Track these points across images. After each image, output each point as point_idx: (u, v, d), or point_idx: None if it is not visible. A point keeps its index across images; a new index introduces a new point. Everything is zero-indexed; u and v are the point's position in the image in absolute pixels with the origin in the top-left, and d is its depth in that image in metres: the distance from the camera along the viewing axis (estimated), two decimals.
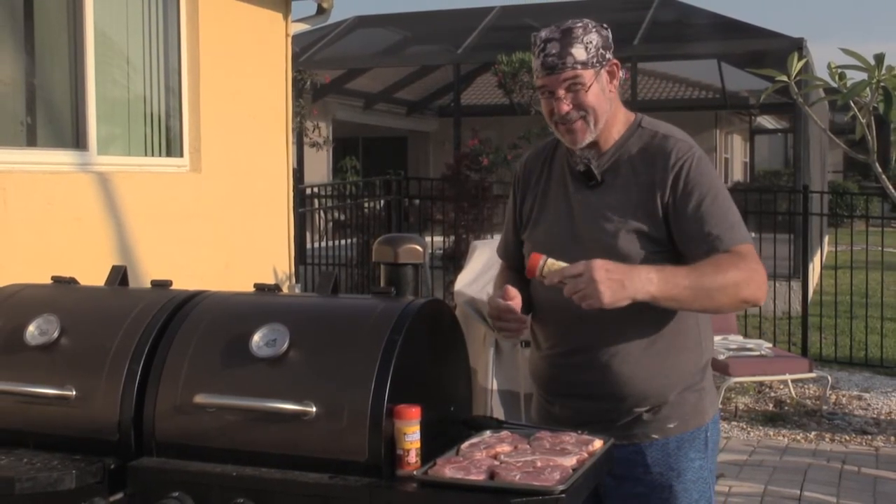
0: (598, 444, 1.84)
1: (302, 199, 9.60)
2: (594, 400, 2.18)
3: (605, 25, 2.18)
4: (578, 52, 2.11)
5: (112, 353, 1.87)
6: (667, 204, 2.12)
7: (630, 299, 1.93)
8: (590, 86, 2.12)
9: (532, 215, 2.29)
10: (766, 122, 22.82)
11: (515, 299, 2.08)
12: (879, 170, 4.33)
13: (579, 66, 2.11)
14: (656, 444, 2.18)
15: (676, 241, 2.13)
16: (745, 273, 2.04)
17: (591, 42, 2.12)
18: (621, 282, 1.91)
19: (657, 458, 2.18)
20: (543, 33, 2.15)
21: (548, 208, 2.26)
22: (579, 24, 2.14)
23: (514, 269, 2.36)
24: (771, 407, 6.67)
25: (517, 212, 2.35)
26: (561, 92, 2.12)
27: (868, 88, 3.87)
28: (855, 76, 3.95)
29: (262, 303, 1.96)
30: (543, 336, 2.27)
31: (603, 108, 2.15)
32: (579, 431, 1.90)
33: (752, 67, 6.81)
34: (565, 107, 2.12)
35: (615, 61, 2.19)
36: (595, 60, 2.13)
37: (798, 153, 11.89)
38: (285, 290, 2.36)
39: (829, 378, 6.72)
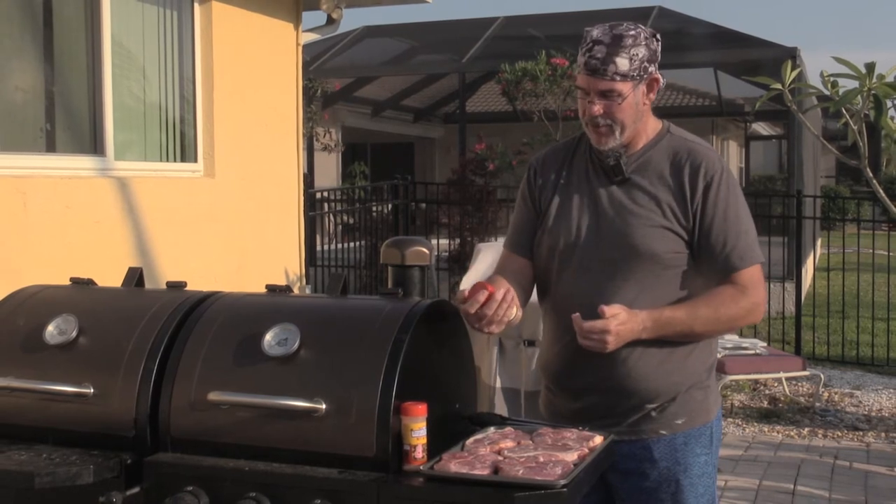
0: (598, 439, 1.88)
1: (312, 203, 9.64)
2: (607, 395, 2.20)
3: (657, 37, 2.18)
4: (622, 63, 2.10)
5: (128, 351, 1.91)
6: (696, 211, 2.16)
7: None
8: (625, 98, 2.13)
9: (552, 207, 2.27)
10: (761, 128, 22.79)
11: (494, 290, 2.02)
12: (870, 174, 4.37)
13: (619, 78, 2.11)
14: (664, 440, 2.21)
15: (695, 249, 2.17)
16: (741, 310, 2.16)
17: (637, 55, 2.11)
18: (624, 338, 2.07)
19: (665, 453, 2.21)
20: (595, 32, 2.14)
21: (570, 202, 2.25)
22: (631, 33, 2.12)
23: (519, 260, 2.31)
24: (765, 404, 6.70)
25: (535, 200, 2.31)
26: (596, 96, 2.14)
27: (859, 96, 3.89)
28: (847, 84, 3.98)
29: (274, 303, 2.00)
30: (559, 332, 2.26)
31: (632, 119, 2.16)
32: (580, 428, 1.93)
33: (747, 76, 6.83)
34: (597, 110, 2.14)
35: (656, 76, 2.18)
36: (636, 73, 2.13)
37: (792, 159, 11.89)
38: (296, 291, 2.38)
39: (822, 376, 6.77)
